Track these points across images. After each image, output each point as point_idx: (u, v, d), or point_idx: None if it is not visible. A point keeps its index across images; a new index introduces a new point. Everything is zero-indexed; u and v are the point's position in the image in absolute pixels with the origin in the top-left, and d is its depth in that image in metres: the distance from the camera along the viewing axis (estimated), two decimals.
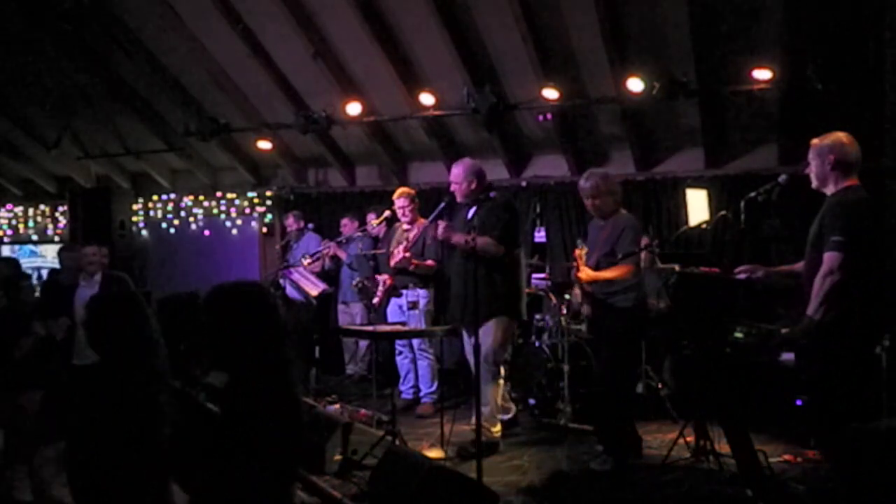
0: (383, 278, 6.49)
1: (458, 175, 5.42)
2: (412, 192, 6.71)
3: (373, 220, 7.40)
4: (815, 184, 3.83)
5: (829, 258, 3.57)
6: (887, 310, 3.83)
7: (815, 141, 3.85)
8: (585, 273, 4.92)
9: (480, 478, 4.05)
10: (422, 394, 6.66)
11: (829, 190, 3.77)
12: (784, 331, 3.88)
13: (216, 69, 8.00)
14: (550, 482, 4.72)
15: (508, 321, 5.36)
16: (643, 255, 5.48)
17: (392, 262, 6.33)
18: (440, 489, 3.83)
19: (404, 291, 6.32)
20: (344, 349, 8.34)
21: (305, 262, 7.51)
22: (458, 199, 5.49)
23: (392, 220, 7.54)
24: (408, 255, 6.21)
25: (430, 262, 6.32)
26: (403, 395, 6.76)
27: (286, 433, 2.42)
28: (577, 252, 5.03)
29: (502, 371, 5.51)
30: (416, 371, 6.80)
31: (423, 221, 6.40)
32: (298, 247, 8.19)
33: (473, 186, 5.39)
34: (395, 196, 6.62)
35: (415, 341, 6.58)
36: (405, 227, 6.61)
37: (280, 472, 2.43)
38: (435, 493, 3.80)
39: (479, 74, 7.11)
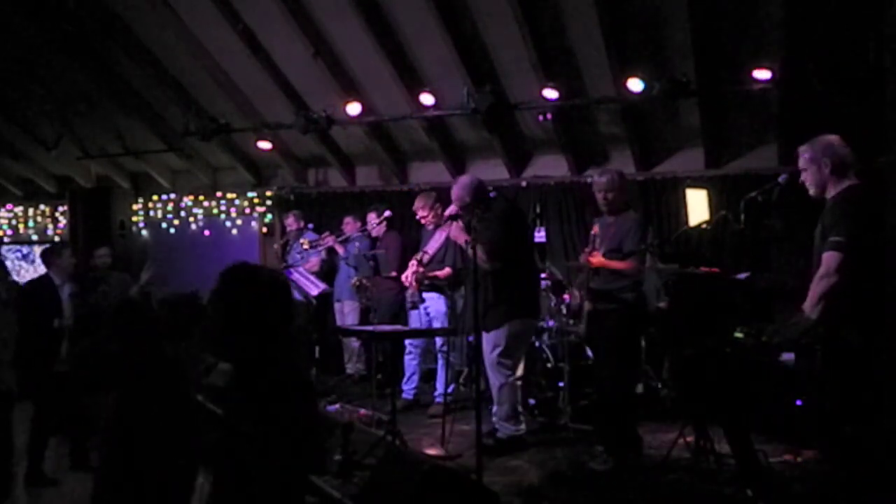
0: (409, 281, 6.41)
1: (459, 197, 5.39)
2: (430, 195, 6.72)
3: (373, 220, 7.40)
4: (813, 192, 3.79)
5: (828, 258, 3.56)
6: (888, 310, 3.82)
7: (802, 147, 3.80)
8: (597, 258, 4.99)
9: (480, 478, 4.05)
10: (436, 393, 6.64)
11: (830, 194, 3.75)
12: (780, 328, 3.88)
13: (216, 69, 7.99)
14: (550, 482, 4.72)
15: (512, 325, 5.32)
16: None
17: (407, 281, 6.25)
18: (440, 489, 3.83)
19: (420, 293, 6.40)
20: (344, 349, 8.35)
21: (304, 244, 7.54)
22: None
23: (392, 221, 7.55)
24: (421, 269, 6.21)
25: (446, 269, 6.29)
26: (404, 395, 6.75)
27: (300, 434, 2.36)
28: (595, 230, 5.15)
29: (519, 371, 5.52)
30: (420, 373, 6.81)
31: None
32: (297, 246, 8.20)
33: (476, 199, 5.41)
34: (414, 206, 6.68)
35: (438, 341, 6.58)
36: (430, 228, 6.63)
37: (293, 475, 2.37)
38: (435, 493, 3.80)
39: (479, 74, 7.11)
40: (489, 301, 4.96)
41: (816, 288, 3.58)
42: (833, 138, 3.77)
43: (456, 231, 5.38)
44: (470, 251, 4.72)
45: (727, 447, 4.39)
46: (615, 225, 5.06)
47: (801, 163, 3.80)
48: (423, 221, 6.66)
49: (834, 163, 3.70)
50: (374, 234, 7.56)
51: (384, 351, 7.53)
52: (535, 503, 4.40)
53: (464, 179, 5.59)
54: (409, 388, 6.81)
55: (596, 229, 5.20)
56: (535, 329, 5.75)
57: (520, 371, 5.86)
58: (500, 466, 4.97)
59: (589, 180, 5.29)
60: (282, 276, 2.54)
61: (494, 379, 5.29)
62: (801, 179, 3.83)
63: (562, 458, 5.19)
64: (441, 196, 6.72)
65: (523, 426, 5.45)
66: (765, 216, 6.35)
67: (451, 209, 5.37)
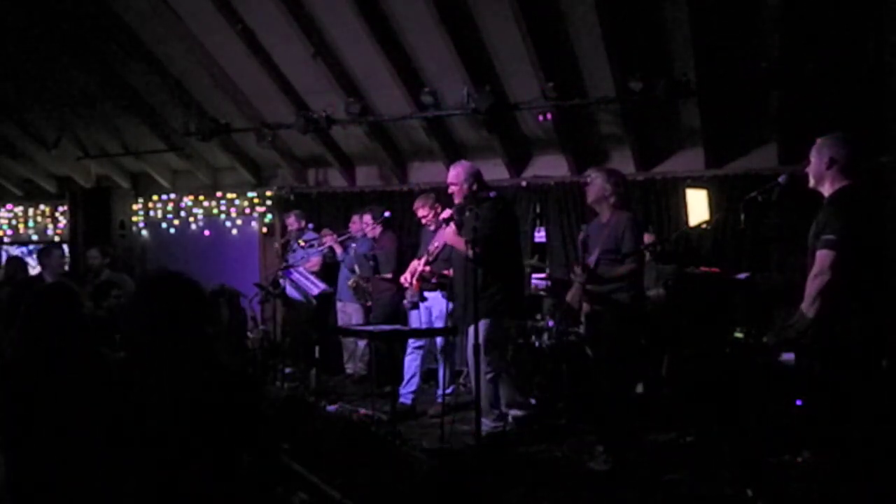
0: (409, 281, 6.37)
1: (456, 177, 5.49)
2: (430, 195, 6.74)
3: (369, 222, 7.41)
4: (811, 182, 3.81)
5: (821, 256, 3.57)
6: (887, 309, 3.82)
7: (819, 140, 3.84)
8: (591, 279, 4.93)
9: (480, 478, 4.05)
10: (437, 393, 6.61)
11: (826, 190, 3.75)
12: (780, 329, 3.88)
13: (216, 69, 8.00)
14: (550, 482, 4.71)
15: (492, 321, 5.31)
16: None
17: (407, 282, 6.23)
18: (439, 489, 3.83)
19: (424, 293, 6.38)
20: (343, 349, 8.34)
21: (301, 243, 7.56)
22: (456, 200, 5.54)
23: (391, 221, 7.55)
24: (427, 269, 6.19)
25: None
26: (402, 400, 6.45)
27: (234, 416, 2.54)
28: (582, 236, 5.15)
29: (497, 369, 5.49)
30: (421, 374, 6.78)
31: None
32: (297, 246, 8.19)
33: (473, 188, 5.47)
34: (415, 206, 6.68)
35: (438, 342, 6.56)
36: (431, 228, 6.62)
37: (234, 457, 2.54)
38: (434, 493, 3.80)
39: (479, 74, 7.11)
40: (471, 295, 4.93)
41: (811, 286, 3.59)
42: (845, 137, 3.77)
43: (451, 236, 5.37)
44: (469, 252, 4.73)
45: (727, 447, 4.39)
46: (608, 226, 5.02)
47: (812, 151, 3.81)
48: (424, 222, 6.68)
49: (833, 159, 3.70)
50: (370, 234, 7.56)
51: (379, 351, 7.51)
52: (535, 503, 4.39)
53: (464, 163, 5.64)
54: (406, 391, 6.55)
55: (583, 235, 5.18)
56: (511, 329, 5.73)
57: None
58: (500, 466, 4.97)
59: (587, 180, 5.28)
60: (185, 276, 2.74)
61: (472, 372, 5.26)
62: (806, 168, 3.84)
63: (562, 458, 5.19)
64: (441, 196, 6.73)
65: (501, 422, 5.45)
66: (765, 216, 6.34)
67: (446, 212, 5.34)
